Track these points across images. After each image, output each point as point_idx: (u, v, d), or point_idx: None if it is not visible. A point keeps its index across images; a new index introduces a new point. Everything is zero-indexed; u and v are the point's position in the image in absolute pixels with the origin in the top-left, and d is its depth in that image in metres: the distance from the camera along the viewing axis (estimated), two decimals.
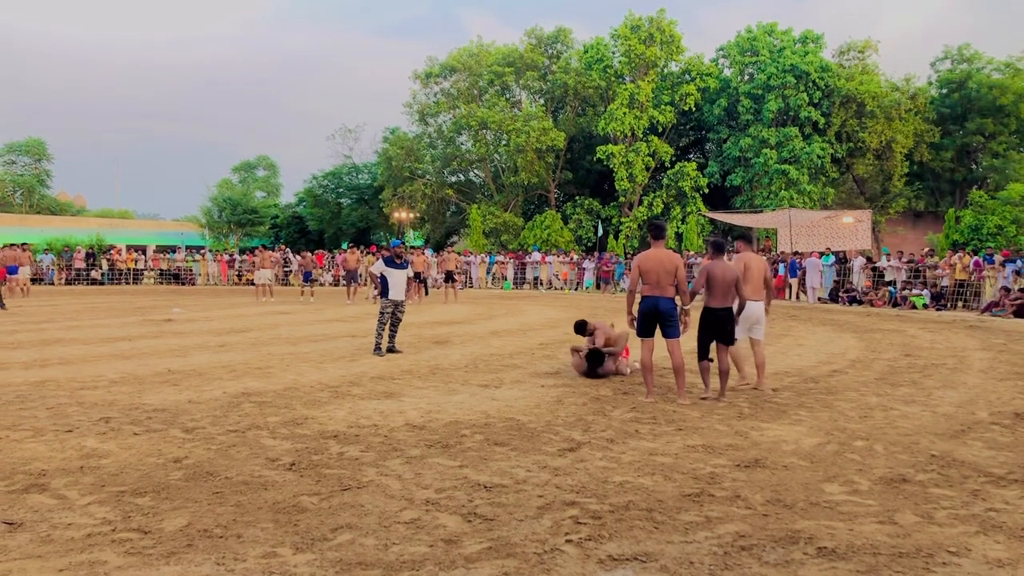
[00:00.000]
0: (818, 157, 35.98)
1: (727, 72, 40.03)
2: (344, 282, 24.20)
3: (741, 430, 6.36)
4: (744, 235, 8.28)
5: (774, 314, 19.77)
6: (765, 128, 36.53)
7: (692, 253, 31.50)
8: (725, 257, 8.12)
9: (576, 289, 30.90)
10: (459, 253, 32.34)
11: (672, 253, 7.74)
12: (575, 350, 9.33)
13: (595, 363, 8.89)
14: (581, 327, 9.54)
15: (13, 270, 23.71)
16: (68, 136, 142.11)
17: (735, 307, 7.86)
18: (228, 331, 14.01)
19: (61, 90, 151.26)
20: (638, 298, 7.67)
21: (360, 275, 22.58)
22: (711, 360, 7.90)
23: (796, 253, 26.88)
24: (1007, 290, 19.28)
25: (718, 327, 7.76)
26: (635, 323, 7.74)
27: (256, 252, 27.07)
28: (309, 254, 29.28)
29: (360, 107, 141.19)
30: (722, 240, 8.37)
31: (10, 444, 5.70)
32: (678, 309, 7.65)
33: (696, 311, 8.08)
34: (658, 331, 7.64)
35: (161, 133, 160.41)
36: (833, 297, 24.56)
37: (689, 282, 8.81)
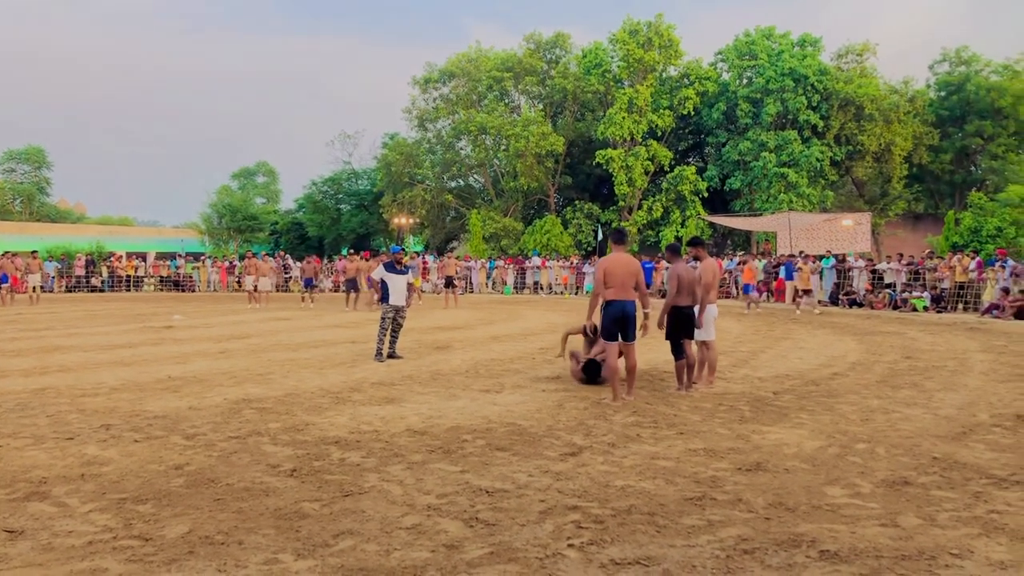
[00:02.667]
0: (817, 160, 36.00)
1: (725, 76, 40.07)
2: (344, 288, 24.20)
3: (742, 434, 6.35)
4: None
5: (775, 316, 19.78)
6: (764, 131, 36.57)
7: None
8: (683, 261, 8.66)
9: (576, 293, 30.90)
10: (459, 258, 32.35)
11: (632, 258, 8.02)
12: (574, 356, 9.30)
13: (592, 374, 8.87)
14: (594, 331, 9.16)
15: (4, 279, 23.95)
16: (68, 143, 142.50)
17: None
18: (228, 337, 14.01)
19: (60, 97, 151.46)
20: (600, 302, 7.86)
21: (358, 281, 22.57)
22: (683, 359, 8.31)
23: (791, 256, 26.89)
24: (1007, 291, 19.28)
25: (686, 324, 8.28)
26: (598, 327, 7.95)
27: (245, 258, 26.98)
28: (317, 260, 29.25)
29: (360, 113, 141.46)
30: (677, 244, 8.88)
31: (11, 452, 5.69)
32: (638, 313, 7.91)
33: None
34: None
35: (161, 140, 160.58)
36: (833, 300, 24.55)
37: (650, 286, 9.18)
